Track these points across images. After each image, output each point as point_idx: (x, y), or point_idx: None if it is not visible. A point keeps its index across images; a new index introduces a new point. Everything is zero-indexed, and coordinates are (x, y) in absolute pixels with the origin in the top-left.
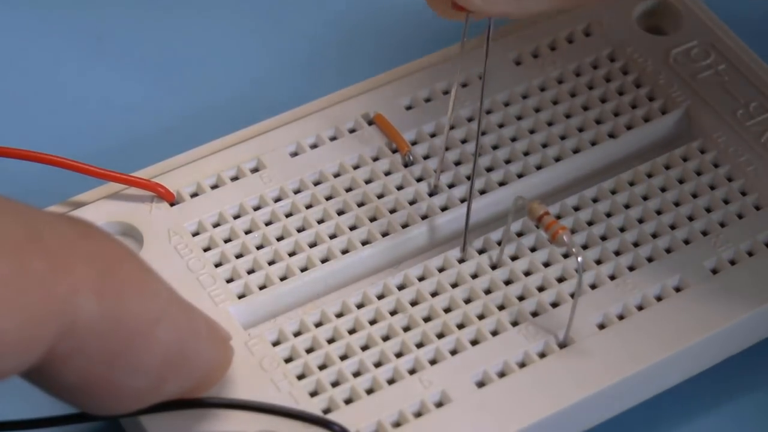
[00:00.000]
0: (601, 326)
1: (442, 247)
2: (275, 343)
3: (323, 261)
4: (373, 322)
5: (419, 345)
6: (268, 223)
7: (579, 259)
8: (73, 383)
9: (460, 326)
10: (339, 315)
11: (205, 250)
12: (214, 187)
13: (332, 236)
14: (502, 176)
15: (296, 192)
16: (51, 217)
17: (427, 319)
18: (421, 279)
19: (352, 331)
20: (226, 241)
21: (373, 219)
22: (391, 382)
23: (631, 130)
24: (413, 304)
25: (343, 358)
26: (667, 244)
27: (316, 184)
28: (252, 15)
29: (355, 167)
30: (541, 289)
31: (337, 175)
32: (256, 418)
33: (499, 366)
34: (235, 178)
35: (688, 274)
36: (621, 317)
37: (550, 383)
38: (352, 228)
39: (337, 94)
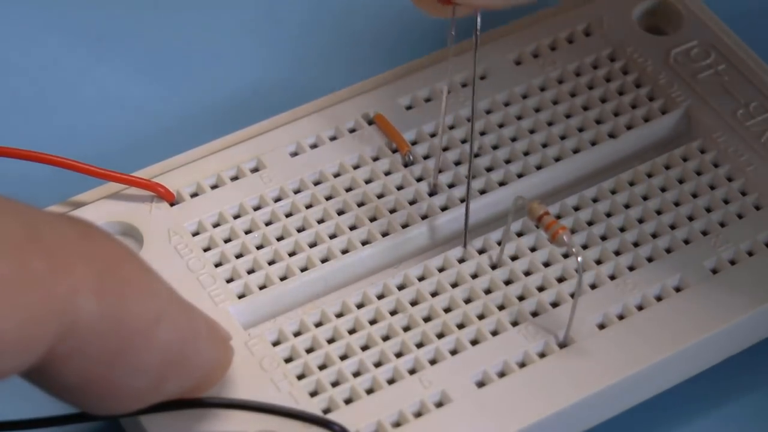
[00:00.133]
0: (601, 326)
1: (442, 247)
2: (275, 343)
3: (323, 261)
4: (373, 322)
5: (419, 345)
6: (268, 223)
7: (579, 259)
8: (73, 383)
9: (460, 326)
10: (339, 315)
11: (205, 250)
12: (214, 187)
13: (332, 236)
14: (502, 176)
15: (296, 192)
16: (51, 217)
17: (427, 319)
18: (421, 279)
19: (352, 331)
20: (226, 241)
21: (373, 219)
22: (391, 382)
23: (631, 130)
24: (413, 304)
25: (343, 358)
26: (667, 244)
27: (316, 184)
28: (252, 15)
29: (355, 167)
30: (541, 289)
31: (337, 175)
32: (256, 418)
33: (499, 366)
34: (235, 178)
35: (688, 274)
36: (621, 317)
37: (550, 383)
38: (352, 228)
39: (337, 94)
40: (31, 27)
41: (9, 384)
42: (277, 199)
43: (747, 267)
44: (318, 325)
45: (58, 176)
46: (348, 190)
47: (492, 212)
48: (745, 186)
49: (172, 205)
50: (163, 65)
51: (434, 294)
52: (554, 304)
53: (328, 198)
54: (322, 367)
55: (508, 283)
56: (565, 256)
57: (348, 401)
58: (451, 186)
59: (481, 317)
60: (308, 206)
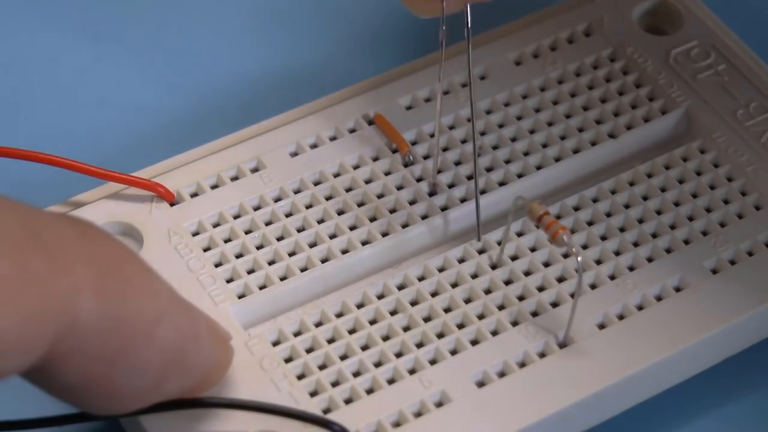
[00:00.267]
0: (601, 326)
1: (442, 247)
2: (275, 343)
3: (323, 261)
4: (373, 322)
5: (419, 345)
6: (268, 223)
7: (579, 259)
8: (73, 383)
9: (460, 326)
10: (339, 315)
11: (205, 250)
12: (214, 187)
13: (332, 236)
14: (502, 176)
15: (296, 192)
16: (51, 217)
17: (427, 319)
18: (421, 279)
19: (352, 331)
20: (226, 241)
21: (373, 219)
22: (391, 382)
23: (631, 131)
24: (413, 304)
25: (343, 358)
26: (667, 244)
27: (316, 184)
28: (252, 16)
29: (355, 167)
30: (541, 289)
31: (337, 175)
32: (256, 418)
33: (499, 366)
34: (235, 178)
35: (688, 274)
36: (621, 317)
37: (550, 383)
38: (352, 228)
39: (337, 94)
40: (31, 27)
41: (9, 384)
42: (277, 199)
43: (747, 267)
44: (318, 325)
45: (58, 176)
46: (348, 190)
47: (492, 212)
48: (745, 186)
49: (172, 205)
50: (163, 65)
51: (434, 294)
52: (554, 304)
53: (328, 198)
54: (322, 367)
55: (508, 283)
56: (565, 256)
57: (348, 401)
58: (451, 186)
59: (481, 317)
60: (308, 206)
